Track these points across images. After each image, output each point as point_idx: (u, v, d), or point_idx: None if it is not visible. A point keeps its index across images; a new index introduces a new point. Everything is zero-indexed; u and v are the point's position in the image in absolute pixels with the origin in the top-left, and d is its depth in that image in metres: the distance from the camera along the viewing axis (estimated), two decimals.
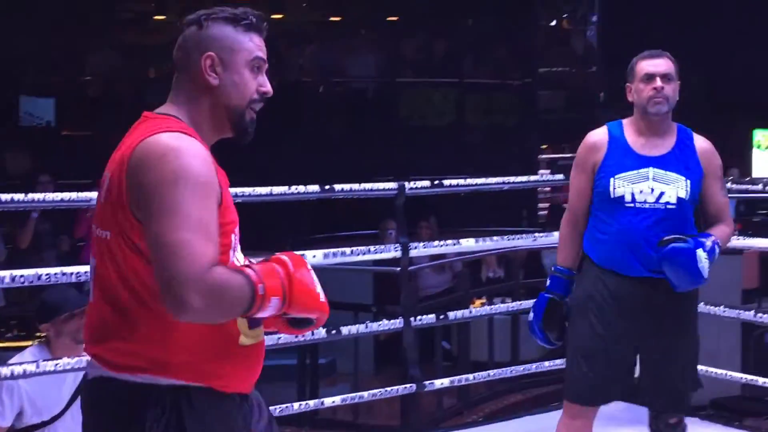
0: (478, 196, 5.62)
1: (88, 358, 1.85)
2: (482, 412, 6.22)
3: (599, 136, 3.17)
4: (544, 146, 12.24)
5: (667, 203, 3.03)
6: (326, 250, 3.70)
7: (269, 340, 3.59)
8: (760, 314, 4.24)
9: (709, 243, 2.97)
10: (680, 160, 3.09)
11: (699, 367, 3.28)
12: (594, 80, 11.03)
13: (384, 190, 3.95)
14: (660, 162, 3.07)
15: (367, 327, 3.91)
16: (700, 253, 2.91)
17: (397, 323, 3.96)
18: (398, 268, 4.04)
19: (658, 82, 3.06)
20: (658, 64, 3.11)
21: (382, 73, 10.94)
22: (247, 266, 1.80)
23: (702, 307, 3.73)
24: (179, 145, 1.75)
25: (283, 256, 1.82)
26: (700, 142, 3.16)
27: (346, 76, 10.96)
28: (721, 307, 4.03)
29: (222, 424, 1.81)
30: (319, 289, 1.86)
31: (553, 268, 3.22)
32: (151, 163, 1.74)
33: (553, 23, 11.85)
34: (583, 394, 3.12)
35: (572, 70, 11.66)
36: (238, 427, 1.84)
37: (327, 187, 3.76)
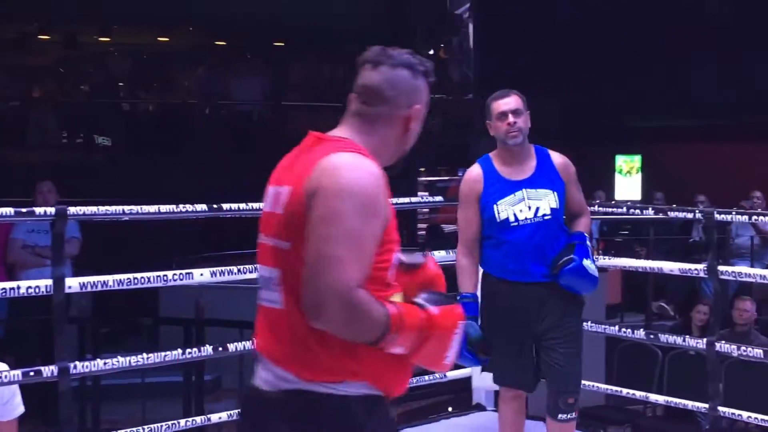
0: None
1: (267, 368, 1.81)
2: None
3: (475, 172, 3.58)
4: (422, 169, 12.39)
5: (544, 215, 3.49)
6: (213, 269, 3.65)
7: (155, 358, 3.52)
8: (623, 328, 4.37)
9: (587, 244, 3.51)
10: (544, 177, 3.54)
11: None
12: (469, 108, 11.24)
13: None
14: (529, 183, 3.52)
15: (252, 344, 3.85)
16: (587, 263, 3.43)
17: None
18: None
19: (511, 118, 3.47)
20: (508, 102, 3.51)
21: (267, 96, 10.90)
22: (393, 302, 1.78)
23: None
24: (356, 162, 1.80)
25: (435, 310, 1.79)
26: (556, 158, 3.61)
27: (232, 98, 10.87)
28: (588, 323, 4.14)
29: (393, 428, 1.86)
30: (450, 352, 1.82)
31: (459, 297, 3.48)
32: (326, 174, 1.77)
33: (431, 52, 12.03)
34: (506, 379, 3.63)
35: (449, 98, 11.85)
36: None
37: (215, 206, 3.71)
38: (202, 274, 3.59)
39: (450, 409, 5.17)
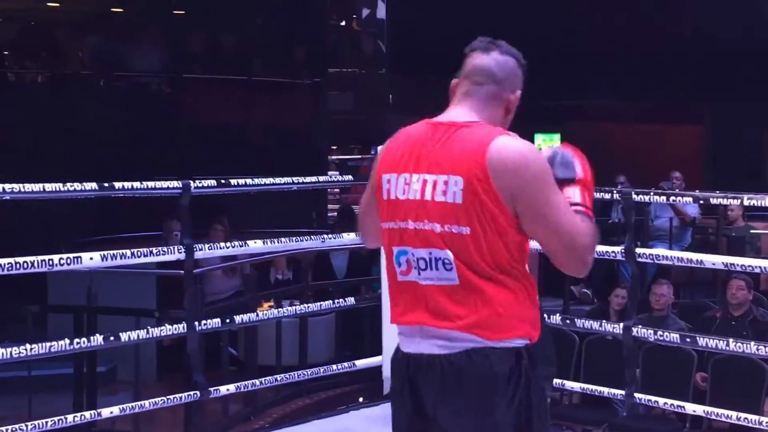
0: (268, 198, 5.59)
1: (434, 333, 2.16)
2: (270, 417, 6.20)
3: None
4: (334, 147, 12.35)
5: None
6: (104, 252, 3.56)
7: (41, 349, 3.42)
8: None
9: None
10: None
11: None
12: (383, 82, 11.24)
13: (168, 189, 3.85)
14: None
15: (148, 333, 3.80)
16: None
17: (181, 328, 3.87)
18: (183, 271, 3.97)
19: None
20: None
21: (167, 68, 10.71)
22: (576, 204, 2.22)
23: None
24: (528, 149, 2.16)
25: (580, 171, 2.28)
26: None
27: (129, 70, 10.65)
28: None
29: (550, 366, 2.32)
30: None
31: None
32: (519, 165, 2.12)
33: (343, 24, 11.99)
34: None
35: (362, 72, 11.83)
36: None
37: (106, 185, 3.63)
38: (92, 258, 3.50)
39: (361, 399, 5.19)
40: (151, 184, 3.78)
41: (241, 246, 4.11)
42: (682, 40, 11.83)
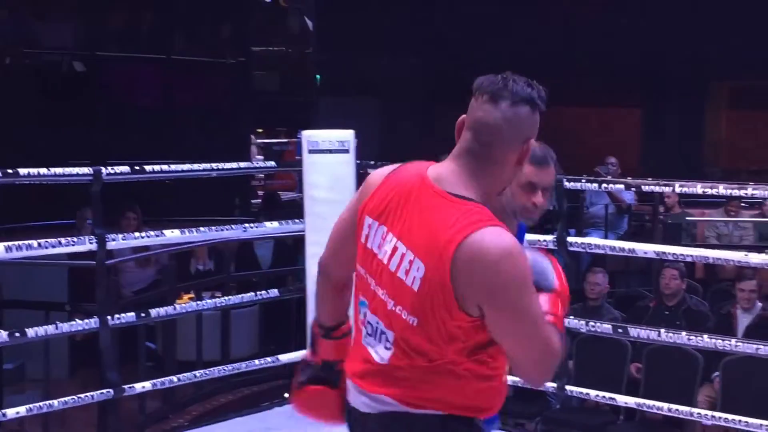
0: (189, 184, 5.55)
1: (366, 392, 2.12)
2: (189, 415, 6.16)
3: None
4: (260, 130, 12.29)
5: None
6: (9, 243, 3.51)
7: None
8: None
9: None
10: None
11: None
12: (311, 62, 11.21)
13: (78, 175, 3.81)
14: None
15: (57, 328, 3.75)
16: None
17: (92, 323, 3.84)
18: (110, 261, 3.94)
19: (540, 198, 2.74)
20: (547, 175, 2.76)
21: (81, 46, 10.53)
22: (554, 317, 2.12)
23: None
24: (510, 246, 1.97)
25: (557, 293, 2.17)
26: None
27: (40, 47, 10.46)
28: None
29: None
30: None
31: None
32: (490, 266, 1.96)
33: (269, 0, 11.92)
34: None
35: (288, 51, 11.79)
36: None
37: (10, 171, 3.57)
38: None
39: (286, 395, 5.18)
40: (59, 170, 3.74)
41: (157, 236, 4.08)
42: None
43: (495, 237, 1.97)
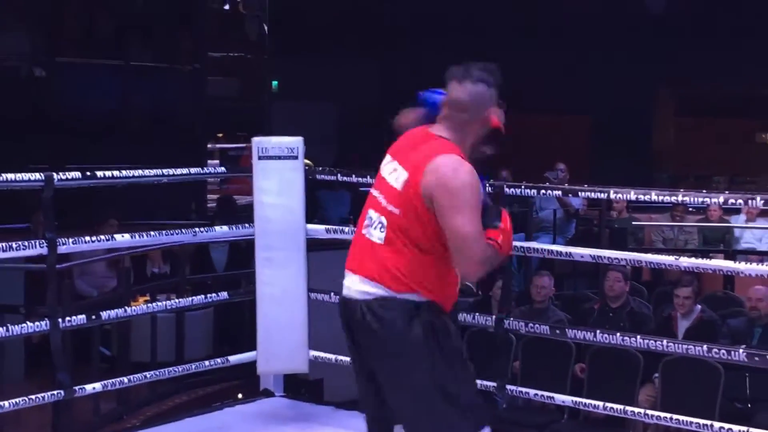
0: (146, 188, 5.58)
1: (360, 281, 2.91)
2: (143, 415, 6.20)
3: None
4: (220, 135, 12.29)
5: None
6: None
7: None
8: None
9: None
10: None
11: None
12: (267, 68, 11.23)
13: (29, 181, 3.85)
14: None
15: (8, 330, 3.79)
16: None
17: (43, 325, 3.88)
18: (60, 266, 3.98)
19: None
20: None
21: (36, 51, 10.49)
22: (492, 239, 2.89)
23: None
24: (464, 167, 2.84)
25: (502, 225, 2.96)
26: None
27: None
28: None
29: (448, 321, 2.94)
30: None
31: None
32: (445, 173, 2.82)
33: (226, 6, 11.93)
34: None
35: (246, 56, 11.80)
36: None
37: None
38: None
39: (240, 395, 5.23)
40: (11, 176, 3.77)
41: (107, 239, 4.12)
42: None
43: (455, 160, 2.84)
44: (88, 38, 10.80)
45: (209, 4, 11.32)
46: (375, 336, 2.86)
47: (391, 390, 2.90)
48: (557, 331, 4.18)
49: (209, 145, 11.42)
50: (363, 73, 12.03)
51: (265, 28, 10.53)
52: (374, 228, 2.92)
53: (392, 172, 2.93)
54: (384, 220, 2.91)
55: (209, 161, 10.86)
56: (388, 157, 2.99)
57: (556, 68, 12.08)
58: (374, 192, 2.98)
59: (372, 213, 2.95)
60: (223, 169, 4.67)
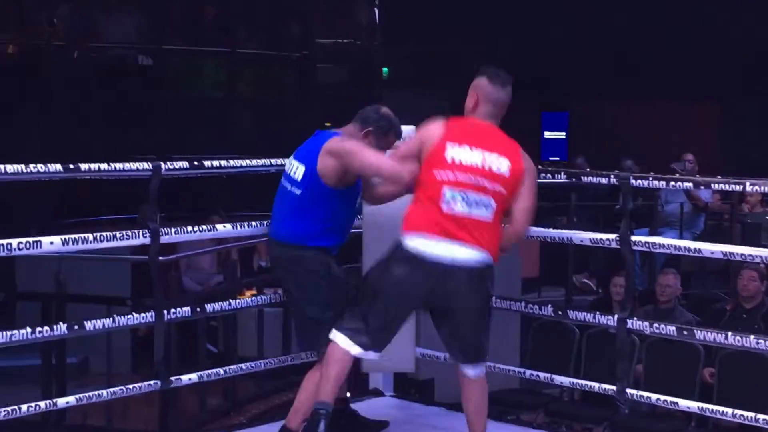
0: (255, 179, 5.66)
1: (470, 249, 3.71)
2: (249, 413, 6.30)
3: None
4: (328, 124, 12.37)
5: None
6: (65, 236, 3.65)
7: (2, 338, 3.51)
8: (530, 304, 4.51)
9: None
10: None
11: None
12: (377, 55, 11.26)
13: (137, 170, 3.94)
14: None
15: (114, 321, 3.89)
16: None
17: (149, 317, 3.97)
18: (164, 258, 4.07)
19: None
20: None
21: (144, 39, 10.74)
22: None
23: None
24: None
25: None
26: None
27: (105, 40, 10.68)
28: (497, 299, 4.24)
29: None
30: None
31: None
32: (528, 162, 3.88)
33: None
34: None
35: (355, 43, 11.85)
36: None
37: (71, 166, 3.71)
38: (52, 243, 3.58)
39: (348, 394, 5.26)
40: (119, 165, 3.87)
41: (209, 230, 4.19)
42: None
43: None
44: (195, 25, 11.00)
45: None
46: (475, 295, 3.77)
47: (473, 327, 3.85)
48: (685, 333, 4.08)
49: None
50: (475, 59, 11.97)
51: (377, 14, 10.56)
52: (476, 206, 3.70)
53: (486, 159, 3.71)
54: (492, 201, 3.71)
55: None
56: (455, 145, 3.72)
57: (683, 50, 11.81)
58: (460, 174, 3.70)
59: (475, 194, 3.69)
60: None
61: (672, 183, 4.12)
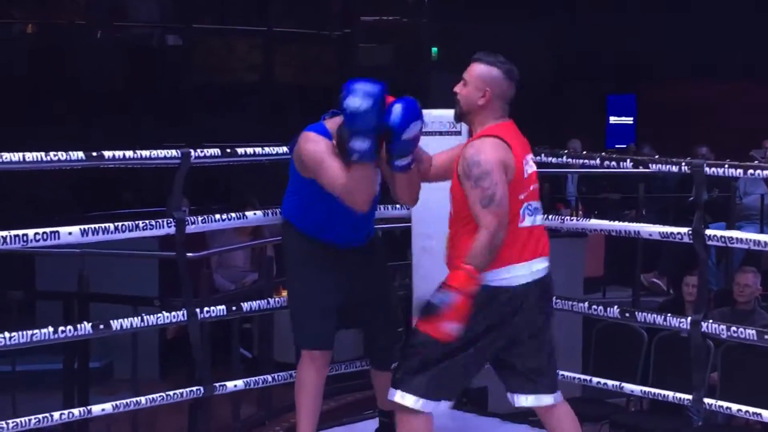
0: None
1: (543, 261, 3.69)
2: (287, 422, 6.31)
3: None
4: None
5: None
6: (84, 226, 3.66)
7: (21, 338, 3.55)
8: (594, 305, 4.48)
9: None
10: None
11: None
12: (425, 33, 11.24)
13: (164, 158, 3.98)
14: None
15: (143, 321, 3.92)
16: None
17: (180, 316, 4.00)
18: (192, 254, 4.11)
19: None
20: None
21: (172, 17, 10.80)
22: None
23: None
24: None
25: None
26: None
27: (130, 19, 10.77)
28: (557, 300, 4.22)
29: None
30: None
31: None
32: None
33: None
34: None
35: (401, 20, 11.83)
36: None
37: (94, 154, 3.75)
38: (70, 233, 3.61)
39: None
40: (145, 153, 3.90)
41: (238, 218, 4.21)
42: None
43: None
44: (226, 2, 11.05)
45: None
46: (551, 303, 3.81)
47: (542, 345, 3.72)
48: (766, 337, 4.04)
49: None
50: (529, 39, 11.92)
51: None
52: (539, 215, 3.69)
53: (532, 165, 3.70)
54: (540, 207, 3.73)
55: None
56: (524, 158, 3.65)
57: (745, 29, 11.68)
58: (531, 185, 3.67)
59: (535, 203, 3.66)
60: None
61: (751, 171, 4.08)
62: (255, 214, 4.31)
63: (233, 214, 4.16)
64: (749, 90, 13.02)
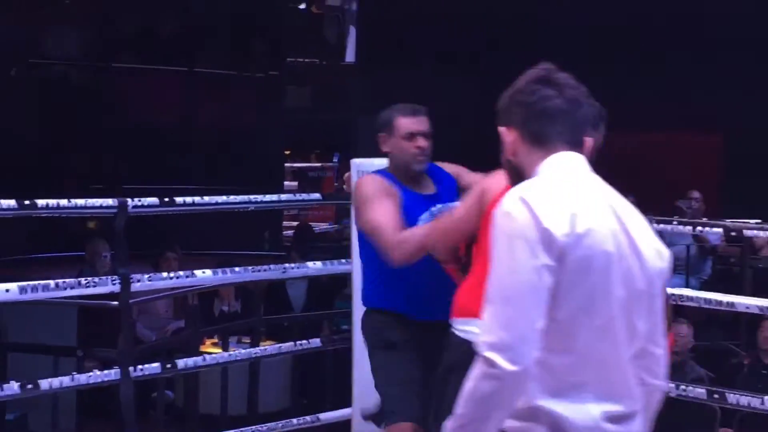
0: (215, 215, 5.57)
1: None
2: None
3: (381, 178, 3.77)
4: (287, 152, 12.28)
5: None
6: (23, 284, 3.53)
7: None
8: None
9: None
10: (448, 190, 3.80)
11: None
12: (350, 75, 11.21)
13: (101, 207, 3.84)
14: (438, 198, 3.77)
15: (73, 380, 3.76)
16: None
17: (113, 374, 3.85)
18: (113, 302, 3.97)
19: (421, 142, 3.70)
20: (421, 122, 3.74)
21: (91, 56, 10.63)
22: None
23: None
24: None
25: None
26: (447, 167, 3.88)
27: (46, 56, 10.58)
28: None
29: None
30: None
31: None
32: None
33: (302, 6, 11.98)
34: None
35: (323, 63, 11.81)
36: None
37: (27, 202, 3.60)
38: (8, 291, 3.46)
39: None
40: (80, 202, 3.76)
41: (187, 276, 4.09)
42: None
43: None
44: (147, 41, 10.91)
45: (285, 2, 11.35)
46: None
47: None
48: (715, 396, 4.01)
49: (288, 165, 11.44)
50: (458, 87, 11.97)
51: (352, 30, 10.51)
52: None
53: None
54: None
55: (286, 182, 10.86)
56: None
57: (682, 79, 11.87)
58: None
59: None
60: (317, 195, 4.57)
61: (699, 228, 4.06)
62: (204, 273, 4.18)
63: (181, 273, 4.06)
64: (674, 140, 13.21)
